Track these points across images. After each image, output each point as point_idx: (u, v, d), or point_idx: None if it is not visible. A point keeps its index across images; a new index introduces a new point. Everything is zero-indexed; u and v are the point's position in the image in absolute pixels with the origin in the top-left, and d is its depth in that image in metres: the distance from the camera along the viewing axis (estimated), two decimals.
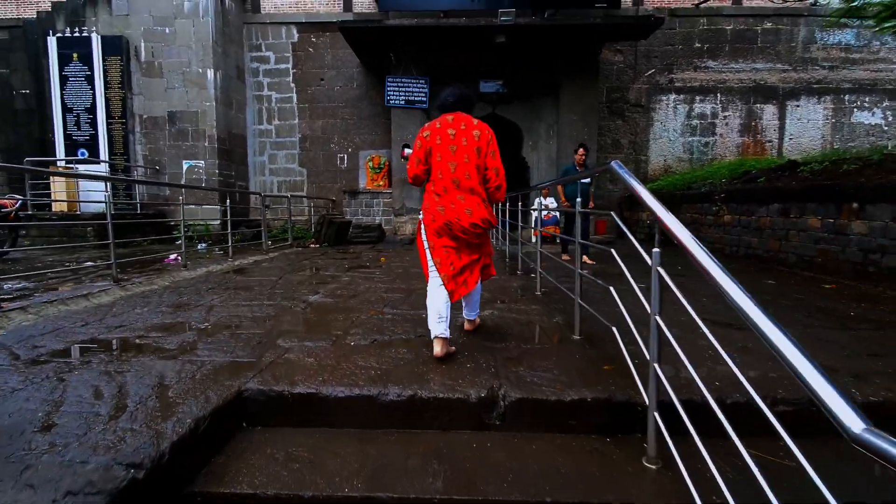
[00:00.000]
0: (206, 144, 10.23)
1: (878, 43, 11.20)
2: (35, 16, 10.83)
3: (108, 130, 10.19)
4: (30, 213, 8.88)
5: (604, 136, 11.17)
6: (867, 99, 11.25)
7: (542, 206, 10.01)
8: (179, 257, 6.51)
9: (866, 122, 11.29)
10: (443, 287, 2.49)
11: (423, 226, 2.58)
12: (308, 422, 1.98)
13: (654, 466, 1.69)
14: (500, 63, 10.13)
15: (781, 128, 11.39)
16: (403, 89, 10.19)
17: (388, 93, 10.21)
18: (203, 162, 10.25)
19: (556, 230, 9.77)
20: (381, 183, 11.29)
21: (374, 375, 2.15)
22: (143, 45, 10.23)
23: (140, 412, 1.76)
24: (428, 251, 2.56)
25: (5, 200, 7.15)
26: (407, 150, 3.06)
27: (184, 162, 10.26)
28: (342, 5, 11.30)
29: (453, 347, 2.52)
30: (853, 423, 0.78)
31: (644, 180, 11.39)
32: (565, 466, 1.71)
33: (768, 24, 11.24)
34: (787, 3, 10.81)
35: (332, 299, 3.96)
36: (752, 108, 11.36)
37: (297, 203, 11.74)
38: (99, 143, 10.18)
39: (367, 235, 9.39)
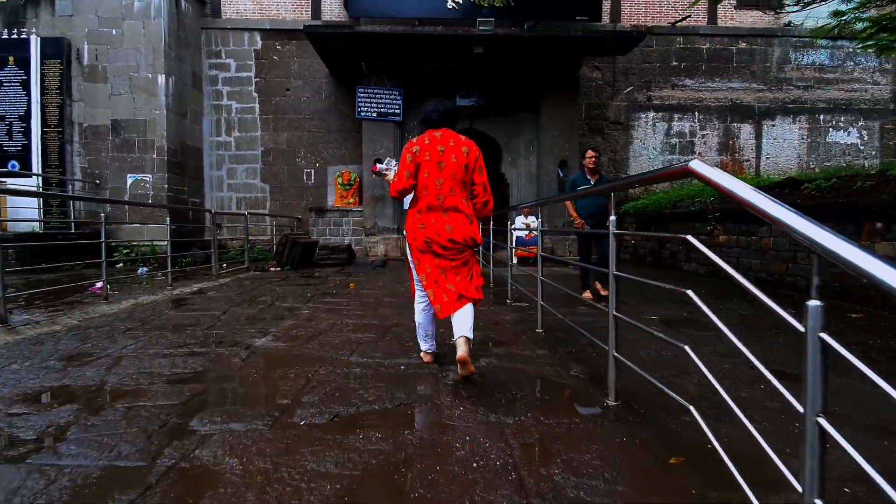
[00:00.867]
0: (155, 156, 9.21)
1: (851, 63, 11.36)
2: None
3: (43, 140, 9.05)
4: None
5: (581, 152, 10.77)
6: (842, 118, 11.33)
7: (523, 226, 9.47)
8: (107, 285, 5.51)
9: (842, 142, 11.36)
10: (428, 304, 2.56)
11: (408, 245, 2.61)
12: None
13: None
14: (478, 75, 9.63)
15: (758, 147, 11.32)
16: (376, 101, 9.53)
17: (360, 104, 9.52)
18: (150, 176, 9.21)
19: (531, 252, 9.20)
20: (352, 200, 10.50)
21: (329, 498, 1.36)
22: (86, 47, 9.23)
23: None
24: (413, 268, 2.61)
25: None
26: (379, 165, 2.99)
27: (128, 176, 9.20)
28: (310, 12, 10.63)
29: (474, 369, 2.38)
30: None
31: (625, 199, 11.04)
32: None
33: (743, 45, 11.25)
34: (759, 25, 10.87)
35: (284, 343, 3.14)
36: (729, 126, 11.26)
37: (259, 222, 10.78)
38: (32, 155, 9.01)
39: (336, 257, 8.54)
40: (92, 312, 4.08)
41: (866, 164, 11.38)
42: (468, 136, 10.69)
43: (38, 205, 8.92)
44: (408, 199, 2.62)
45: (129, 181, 9.20)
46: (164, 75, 9.23)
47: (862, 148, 11.44)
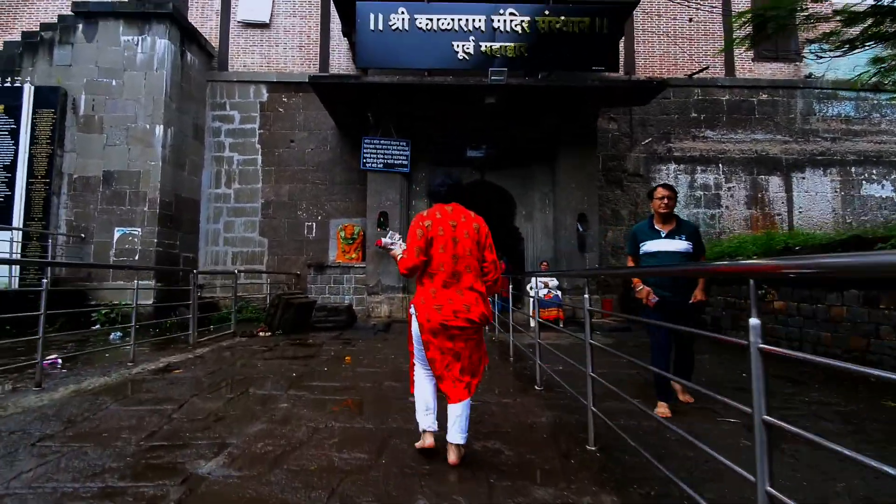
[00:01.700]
0: (146, 209, 8.64)
1: (878, 115, 10.87)
2: None
3: (28, 191, 8.54)
4: None
5: (602, 207, 10.10)
6: (874, 171, 10.68)
7: (541, 286, 8.63)
8: (59, 360, 4.69)
9: (877, 195, 10.64)
10: (430, 377, 2.43)
11: (414, 322, 2.42)
12: None
13: None
14: (490, 125, 9.18)
15: (789, 200, 10.61)
16: (382, 152, 9.04)
17: (365, 155, 9.03)
18: (139, 229, 8.59)
19: (558, 314, 8.33)
20: (354, 255, 9.78)
21: None
22: (83, 97, 8.93)
23: None
24: (421, 349, 2.43)
25: None
26: (383, 240, 2.68)
27: (116, 229, 8.58)
28: (318, 66, 10.45)
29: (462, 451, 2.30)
30: None
31: None
32: None
33: (764, 96, 10.85)
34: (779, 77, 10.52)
35: (238, 471, 2.23)
36: (756, 179, 10.62)
37: (254, 278, 10.03)
38: (14, 207, 8.48)
39: (334, 320, 7.69)
40: (12, 406, 3.21)
41: None
42: (479, 188, 9.93)
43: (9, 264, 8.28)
44: None
45: (117, 235, 8.58)
46: (162, 126, 8.85)
47: None
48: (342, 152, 10.25)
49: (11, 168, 8.51)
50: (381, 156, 9.04)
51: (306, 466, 2.29)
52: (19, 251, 8.16)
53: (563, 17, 8.27)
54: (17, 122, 8.60)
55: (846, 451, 1.02)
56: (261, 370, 4.55)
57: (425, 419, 2.39)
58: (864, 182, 10.68)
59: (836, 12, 5.69)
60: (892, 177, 10.68)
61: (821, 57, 5.95)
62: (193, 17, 10.46)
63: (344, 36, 9.85)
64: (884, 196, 10.65)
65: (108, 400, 3.44)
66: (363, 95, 8.57)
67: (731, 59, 10.90)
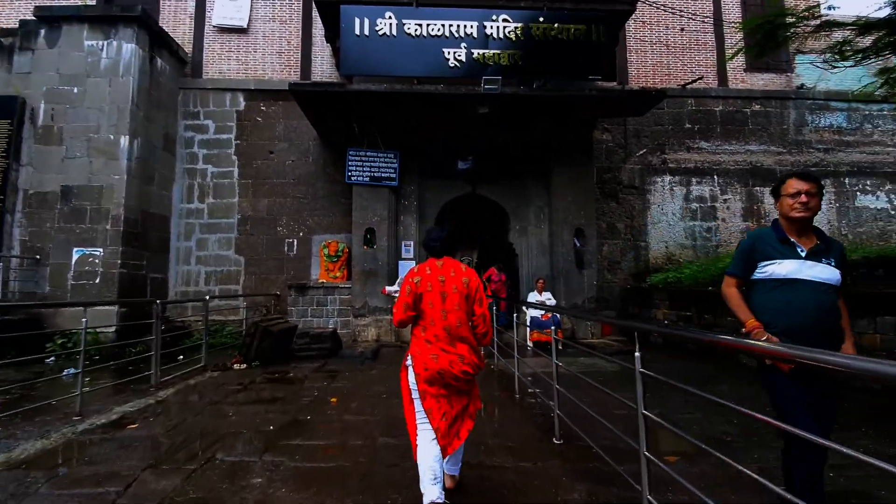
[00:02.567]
0: (108, 227, 7.90)
1: (870, 126, 10.81)
2: None
3: None
4: None
5: (598, 220, 9.72)
6: (868, 182, 10.58)
7: (537, 303, 8.15)
8: None
9: (871, 206, 10.52)
10: (435, 441, 2.35)
11: (411, 373, 2.46)
12: None
13: None
14: (482, 136, 8.73)
15: None
16: (368, 164, 8.49)
17: (350, 168, 8.47)
18: (101, 249, 7.84)
19: (549, 336, 7.81)
20: (339, 274, 9.17)
21: None
22: (42, 106, 8.18)
23: None
24: (417, 400, 2.44)
25: None
26: (388, 288, 2.86)
27: (74, 250, 7.81)
28: (299, 73, 9.89)
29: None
30: None
31: (646, 270, 9.89)
32: None
33: (757, 107, 10.69)
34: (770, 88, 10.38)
35: None
36: (751, 190, 10.40)
37: (232, 299, 9.31)
38: None
39: (317, 347, 7.06)
40: None
41: None
42: (471, 202, 9.31)
43: None
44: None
45: (76, 256, 7.80)
46: (127, 137, 8.14)
47: (893, 213, 10.60)
48: (325, 164, 9.67)
49: None
50: (368, 168, 8.49)
51: None
52: None
53: (557, 25, 7.91)
54: None
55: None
56: (232, 421, 3.92)
57: (431, 490, 2.24)
58: (858, 193, 10.57)
59: (851, 23, 5.43)
60: (887, 188, 10.60)
61: (834, 66, 5.64)
62: (165, 21, 9.81)
63: (327, 42, 9.32)
64: (879, 207, 10.54)
65: (40, 478, 2.79)
66: (348, 104, 8.03)
67: (723, 69, 10.73)
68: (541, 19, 7.90)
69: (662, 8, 10.43)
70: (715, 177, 10.34)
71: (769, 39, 5.95)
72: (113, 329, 7.57)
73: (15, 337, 6.04)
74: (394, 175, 8.51)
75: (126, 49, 8.38)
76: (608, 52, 8.21)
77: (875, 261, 5.04)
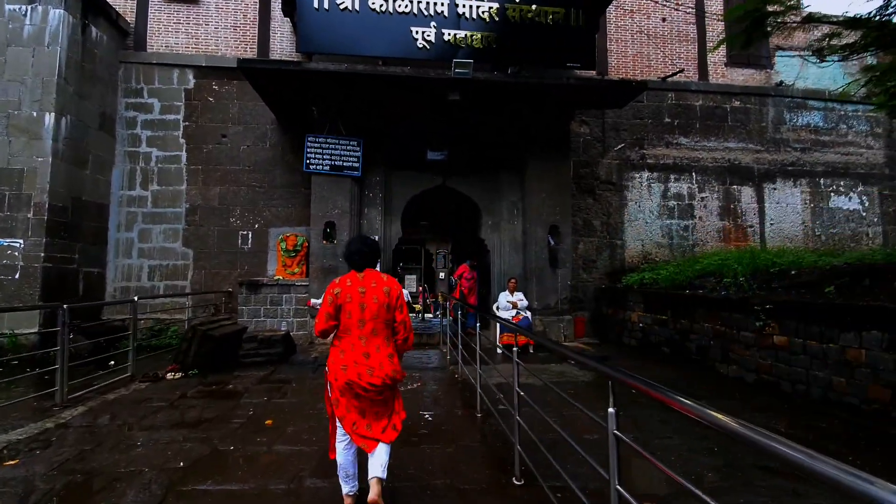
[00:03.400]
0: (31, 216, 7.02)
1: (844, 126, 10.69)
2: None
3: None
4: None
5: (573, 216, 9.30)
6: (842, 183, 10.49)
7: (508, 305, 7.70)
8: None
9: (844, 207, 10.45)
10: (351, 444, 2.52)
11: (328, 383, 2.58)
12: None
13: None
14: (453, 125, 8.16)
15: (761, 212, 10.23)
16: (329, 151, 7.81)
17: (309, 155, 7.77)
18: (21, 241, 6.96)
19: (528, 340, 7.38)
20: (297, 270, 8.49)
21: None
22: None
23: None
24: (333, 409, 2.57)
25: None
26: (313, 301, 3.59)
27: None
28: (256, 49, 9.06)
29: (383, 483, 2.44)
30: None
31: (622, 269, 9.56)
32: None
33: (737, 103, 10.42)
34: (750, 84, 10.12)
35: None
36: (729, 189, 10.17)
37: (179, 295, 8.52)
38: None
39: (266, 353, 6.41)
40: None
41: (870, 232, 10.50)
42: (441, 195, 8.41)
43: None
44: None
45: None
46: (53, 114, 7.23)
47: (864, 215, 10.57)
48: (284, 151, 8.92)
49: None
50: (328, 156, 7.82)
51: None
52: None
53: (535, 7, 7.35)
54: None
55: None
56: (137, 455, 3.29)
57: (346, 485, 2.54)
58: (832, 194, 10.47)
59: (839, 18, 5.08)
60: (859, 189, 10.54)
61: (823, 59, 5.27)
62: None
63: (285, 16, 8.51)
64: (851, 209, 10.48)
65: None
66: (305, 85, 7.31)
67: (704, 62, 10.41)
68: (517, 0, 7.33)
69: None
70: (693, 174, 10.05)
71: (756, 27, 5.54)
72: (36, 329, 6.75)
73: None
74: (356, 164, 7.86)
75: (53, 15, 7.42)
76: (588, 40, 7.71)
77: (860, 268, 4.74)
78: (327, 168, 7.79)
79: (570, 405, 2.55)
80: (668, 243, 9.85)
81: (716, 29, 10.41)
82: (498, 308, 7.78)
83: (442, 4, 7.15)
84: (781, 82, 10.67)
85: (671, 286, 7.35)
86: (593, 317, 9.23)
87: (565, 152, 8.50)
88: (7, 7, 7.42)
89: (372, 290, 2.52)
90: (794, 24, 5.68)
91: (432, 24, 7.14)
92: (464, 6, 7.20)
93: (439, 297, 10.90)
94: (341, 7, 6.97)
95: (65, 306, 4.48)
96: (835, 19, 5.48)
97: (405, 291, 3.01)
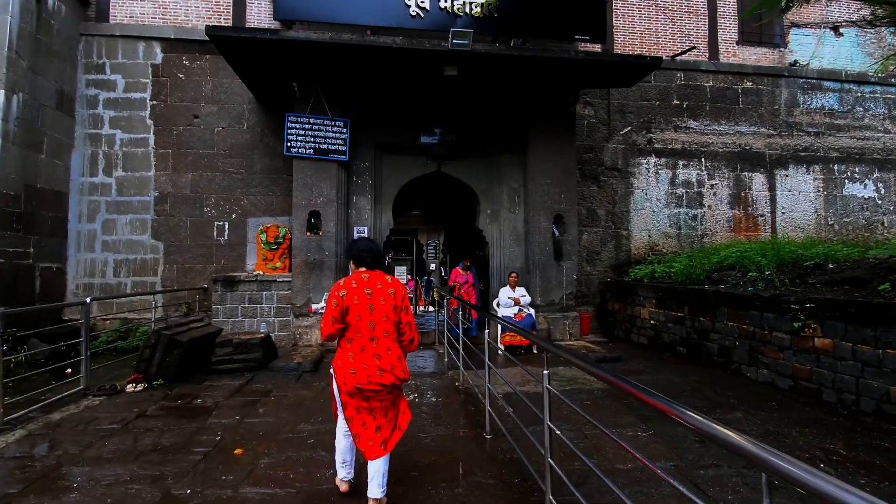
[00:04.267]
0: None
1: (861, 109, 10.15)
2: None
3: None
4: None
5: (578, 205, 8.68)
6: (857, 169, 9.98)
7: (510, 301, 7.09)
8: None
9: (859, 195, 9.96)
10: (349, 434, 2.57)
11: (335, 382, 2.55)
12: None
13: None
14: (449, 105, 7.45)
15: (773, 200, 9.70)
16: (313, 133, 7.07)
17: (290, 137, 7.02)
18: None
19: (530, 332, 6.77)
20: (280, 265, 7.78)
21: None
22: None
23: None
24: (340, 408, 2.58)
25: None
26: (314, 306, 3.71)
27: None
28: (231, 19, 8.21)
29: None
30: None
31: (627, 261, 9.00)
32: None
33: (749, 84, 9.81)
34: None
35: None
36: (739, 176, 9.61)
37: (146, 293, 7.77)
38: None
39: (243, 358, 5.73)
40: None
41: (885, 221, 10.04)
42: (436, 181, 7.47)
43: None
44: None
45: None
46: (3, 92, 6.39)
47: (880, 203, 10.09)
48: (264, 133, 8.14)
49: None
50: (312, 138, 7.07)
51: None
52: None
53: None
54: None
55: None
56: (69, 503, 2.63)
57: (341, 470, 2.68)
58: (846, 181, 9.97)
59: None
60: (874, 175, 10.04)
61: (875, 26, 4.66)
62: None
63: None
64: (866, 196, 10.00)
65: None
66: (286, 58, 6.53)
67: (714, 40, 9.77)
68: None
69: None
70: (703, 160, 9.46)
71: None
72: None
73: None
74: (343, 148, 7.13)
75: None
76: (597, 10, 7.03)
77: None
78: (311, 151, 7.05)
79: (589, 421, 1.96)
80: (676, 233, 9.29)
81: (727, 4, 9.78)
82: (498, 305, 7.17)
83: None
84: (795, 62, 10.08)
85: (687, 280, 6.79)
86: (598, 312, 8.67)
87: (571, 135, 7.84)
88: None
89: (379, 292, 2.49)
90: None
91: None
92: None
93: (434, 294, 10.22)
94: None
95: (2, 309, 3.74)
96: None
97: None
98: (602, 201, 9.13)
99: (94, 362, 6.01)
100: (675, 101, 9.49)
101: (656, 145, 9.34)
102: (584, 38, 7.14)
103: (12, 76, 6.56)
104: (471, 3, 6.49)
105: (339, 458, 2.66)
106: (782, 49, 10.17)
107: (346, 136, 7.14)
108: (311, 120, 7.04)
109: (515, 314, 6.94)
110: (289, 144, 7.02)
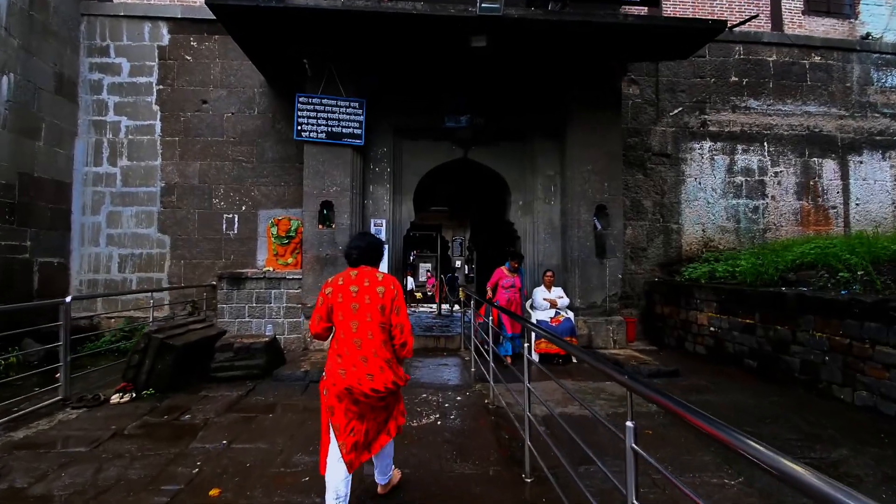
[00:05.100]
0: None
1: None
2: None
3: None
4: None
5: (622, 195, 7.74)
6: None
7: (546, 304, 6.24)
8: None
9: None
10: (342, 461, 2.27)
11: (324, 388, 2.36)
12: None
13: None
14: (477, 83, 6.64)
15: (846, 190, 8.50)
16: (325, 115, 6.38)
17: (300, 120, 6.35)
18: None
19: (568, 342, 5.87)
20: (291, 260, 7.15)
21: None
22: None
23: None
24: (330, 423, 2.35)
25: None
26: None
27: None
28: None
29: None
30: None
31: (678, 259, 8.00)
32: None
33: (817, 58, 8.63)
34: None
35: None
36: (808, 162, 8.45)
37: (152, 290, 7.26)
38: None
39: (245, 365, 5.09)
40: None
41: None
42: (462, 168, 6.30)
43: None
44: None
45: None
46: None
47: None
48: (275, 118, 7.52)
49: None
50: (324, 121, 6.38)
51: None
52: None
53: None
54: None
55: None
56: None
57: None
58: None
59: None
60: None
61: None
62: None
63: None
64: None
65: None
66: (294, 30, 5.84)
67: (778, 8, 8.62)
68: None
69: None
70: (765, 144, 8.35)
71: None
72: None
73: None
74: (359, 131, 6.41)
75: None
76: None
77: None
78: (323, 135, 6.36)
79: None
80: (735, 227, 8.21)
81: None
82: (533, 307, 6.34)
83: None
84: (868, 34, 8.83)
85: (756, 282, 5.79)
86: (643, 316, 7.72)
87: (616, 115, 6.90)
88: None
89: (364, 290, 2.33)
90: None
91: None
92: None
93: (461, 294, 9.39)
94: None
95: None
96: None
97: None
98: (649, 191, 8.14)
99: (94, 363, 5.56)
100: (734, 78, 8.39)
101: (711, 128, 8.28)
102: (635, 1, 6.19)
103: (2, 55, 6.10)
104: None
105: (331, 495, 2.27)
106: (853, 20, 8.94)
107: (361, 118, 6.41)
108: (324, 101, 6.34)
109: (552, 318, 6.09)
110: (299, 128, 6.34)
